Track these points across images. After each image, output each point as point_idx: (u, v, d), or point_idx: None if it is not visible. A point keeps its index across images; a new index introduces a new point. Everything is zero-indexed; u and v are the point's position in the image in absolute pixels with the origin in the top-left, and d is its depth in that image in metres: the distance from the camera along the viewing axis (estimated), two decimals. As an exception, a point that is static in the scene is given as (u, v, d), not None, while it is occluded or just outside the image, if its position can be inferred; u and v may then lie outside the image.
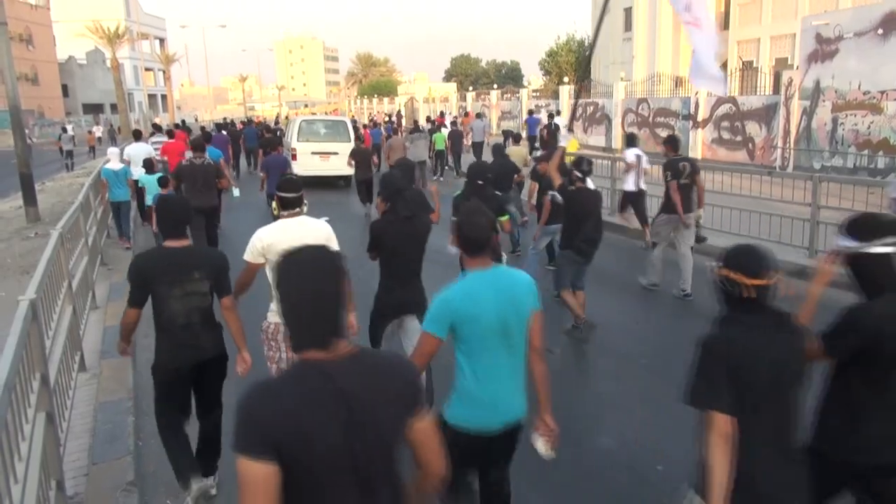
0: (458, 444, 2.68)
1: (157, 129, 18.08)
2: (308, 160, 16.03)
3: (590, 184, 6.47)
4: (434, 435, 1.90)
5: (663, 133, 21.74)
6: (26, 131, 27.94)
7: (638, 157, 9.81)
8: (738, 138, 18.53)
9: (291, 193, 4.06)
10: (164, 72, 64.18)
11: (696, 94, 20.10)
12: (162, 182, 9.37)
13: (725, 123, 19.03)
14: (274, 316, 4.04)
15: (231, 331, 3.88)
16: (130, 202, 11.15)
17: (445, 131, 19.19)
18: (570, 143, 6.84)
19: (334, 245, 3.93)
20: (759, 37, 27.34)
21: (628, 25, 34.87)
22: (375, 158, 14.91)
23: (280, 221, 4.05)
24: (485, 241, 2.83)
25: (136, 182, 10.75)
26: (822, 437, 2.58)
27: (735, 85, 21.10)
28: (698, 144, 20.01)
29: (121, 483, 4.03)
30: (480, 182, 6.04)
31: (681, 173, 7.52)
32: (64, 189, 18.21)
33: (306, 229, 4.01)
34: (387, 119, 31.75)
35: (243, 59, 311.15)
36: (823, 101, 15.44)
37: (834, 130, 15.13)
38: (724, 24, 29.70)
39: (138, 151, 11.97)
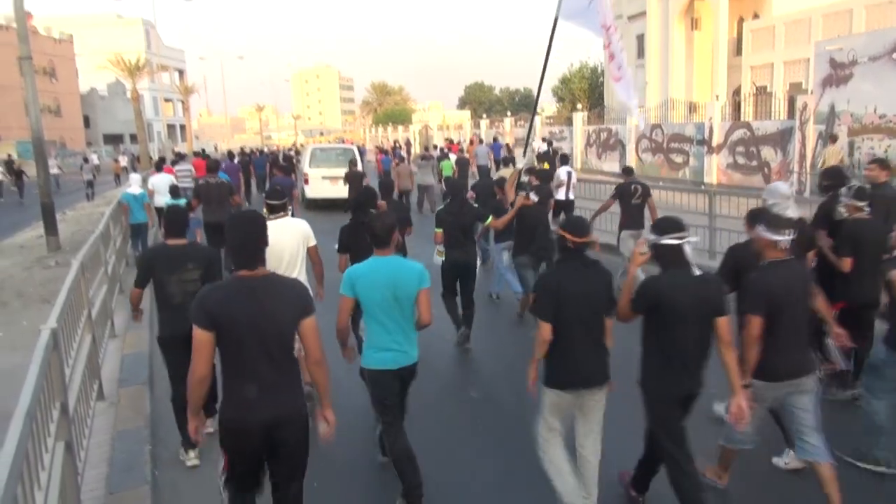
0: (372, 380, 4.02)
1: (180, 157, 19.17)
2: (319, 184, 17.51)
3: (533, 197, 7.40)
4: (314, 332, 3.11)
5: (678, 159, 21.76)
6: (53, 161, 29.17)
7: (569, 173, 11.59)
8: (754, 163, 18.47)
9: (276, 201, 5.42)
10: (182, 102, 65.32)
11: (710, 119, 20.13)
12: (187, 207, 9.65)
13: (740, 148, 18.99)
14: None
15: None
16: (149, 225, 11.51)
17: (454, 158, 19.42)
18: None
19: (311, 240, 5.42)
20: (773, 62, 27.39)
21: (641, 52, 35.11)
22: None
23: (269, 222, 4.18)
24: (386, 236, 3.93)
25: (162, 209, 11.02)
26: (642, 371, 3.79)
27: (749, 110, 21.11)
28: (713, 169, 19.97)
29: (137, 513, 4.03)
30: (457, 196, 7.09)
31: (633, 195, 8.57)
32: (84, 218, 18.48)
33: (288, 227, 5.31)
34: (393, 146, 32.61)
35: (260, 89, 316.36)
36: (839, 125, 15.39)
37: (850, 154, 15.06)
38: (737, 49, 29.82)
39: (162, 181, 12.64)
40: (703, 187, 15.90)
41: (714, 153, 20.02)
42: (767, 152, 17.98)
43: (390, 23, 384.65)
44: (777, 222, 3.74)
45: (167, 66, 72.50)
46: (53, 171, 26.30)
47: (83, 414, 4.58)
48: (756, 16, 29.92)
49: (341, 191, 15.63)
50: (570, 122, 29.94)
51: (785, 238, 3.68)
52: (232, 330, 2.95)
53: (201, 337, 2.94)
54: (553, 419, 3.87)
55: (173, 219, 4.84)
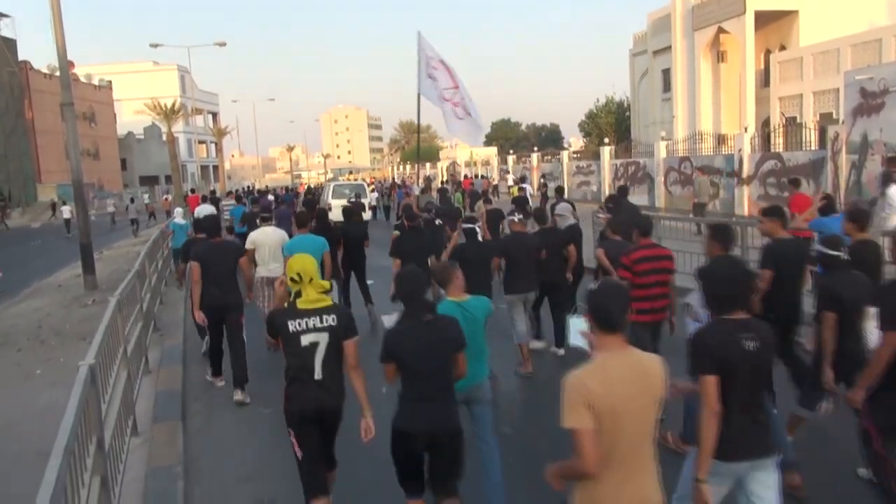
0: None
1: (215, 199, 21.46)
2: (337, 211, 20.60)
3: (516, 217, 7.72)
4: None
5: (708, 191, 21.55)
6: (109, 201, 33.24)
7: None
8: (785, 194, 18.23)
9: (266, 214, 9.37)
10: (216, 144, 67.05)
11: (740, 151, 19.98)
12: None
13: (771, 180, 18.79)
14: (260, 271, 7.94)
15: (245, 277, 7.33)
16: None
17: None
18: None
19: (286, 240, 8.08)
20: (802, 92, 27.22)
21: (667, 86, 35.16)
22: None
23: (260, 228, 8.42)
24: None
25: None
26: None
27: (779, 141, 20.93)
28: (744, 201, 19.75)
29: (170, 550, 4.03)
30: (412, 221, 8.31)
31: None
32: (120, 258, 18.90)
33: (270, 231, 8.23)
34: (402, 182, 39.92)
35: (291, 129, 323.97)
36: (872, 154, 15.16)
37: (884, 184, 14.76)
38: (765, 81, 29.72)
39: (205, 210, 14.49)
40: (733, 219, 15.72)
41: (744, 185, 19.82)
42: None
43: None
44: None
45: (201, 109, 74.59)
46: (110, 209, 36.01)
47: (118, 449, 4.63)
48: (783, 47, 29.86)
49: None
50: (597, 156, 29.99)
51: None
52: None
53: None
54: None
55: (211, 224, 7.38)
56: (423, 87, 13.47)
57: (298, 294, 3.89)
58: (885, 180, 10.42)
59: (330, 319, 3.87)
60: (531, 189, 25.20)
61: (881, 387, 3.60)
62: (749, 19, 28.16)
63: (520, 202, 9.46)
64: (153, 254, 11.45)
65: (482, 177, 35.74)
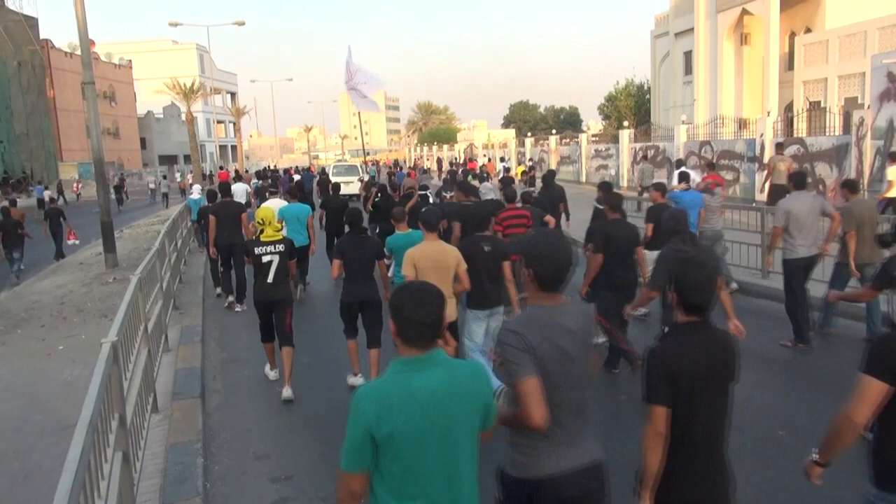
0: None
1: (248, 176, 25.13)
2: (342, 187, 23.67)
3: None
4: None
5: (728, 176, 21.31)
6: (153, 178, 37.99)
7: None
8: (808, 180, 17.95)
9: (273, 189, 12.75)
10: (234, 124, 67.14)
11: (762, 135, 19.69)
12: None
13: (794, 165, 18.48)
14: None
15: (246, 232, 9.61)
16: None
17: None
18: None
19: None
20: (826, 76, 26.68)
21: (688, 69, 34.63)
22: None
23: (268, 200, 10.94)
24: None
25: None
26: None
27: (802, 126, 20.57)
28: (765, 187, 19.49)
29: (190, 524, 4.11)
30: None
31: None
32: (140, 236, 19.11)
33: (272, 203, 10.12)
34: (395, 163, 43.67)
35: (309, 109, 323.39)
36: (898, 140, 14.86)
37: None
38: (789, 64, 29.17)
39: (239, 188, 15.95)
40: (753, 204, 15.54)
41: (765, 170, 19.54)
42: (822, 168, 17.46)
43: (436, 43, 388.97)
44: None
45: (220, 89, 74.66)
46: (151, 186, 39.80)
47: (139, 426, 4.71)
48: (808, 30, 29.24)
49: (349, 190, 24.06)
50: (616, 139, 29.69)
51: None
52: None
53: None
54: None
55: (223, 186, 10.64)
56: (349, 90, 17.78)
57: (262, 231, 6.42)
58: None
59: (280, 247, 6.40)
60: (509, 167, 31.63)
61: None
62: (774, 1, 27.60)
63: (462, 185, 10.30)
64: (173, 233, 11.56)
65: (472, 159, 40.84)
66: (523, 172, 23.87)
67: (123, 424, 3.75)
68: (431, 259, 5.27)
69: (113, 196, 32.76)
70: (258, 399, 6.36)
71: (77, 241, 17.73)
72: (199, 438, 5.29)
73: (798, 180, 7.40)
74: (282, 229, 7.25)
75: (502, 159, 35.56)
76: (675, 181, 11.28)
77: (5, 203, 17.06)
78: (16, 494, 4.78)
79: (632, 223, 6.88)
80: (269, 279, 6.27)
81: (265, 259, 6.27)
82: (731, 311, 5.11)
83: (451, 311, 5.35)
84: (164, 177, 39.71)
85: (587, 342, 2.71)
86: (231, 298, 10.04)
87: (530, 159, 36.15)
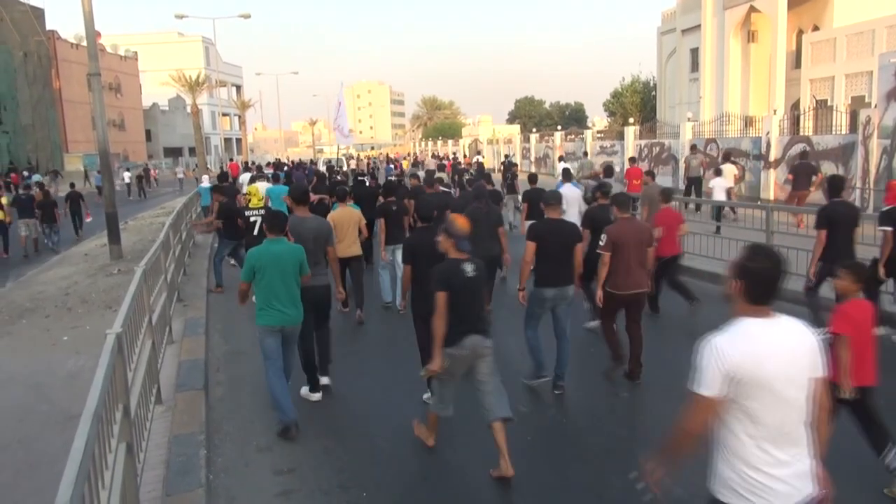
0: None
1: (258, 168, 25.65)
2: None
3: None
4: None
5: (735, 171, 21.24)
6: (180, 168, 41.76)
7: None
8: (813, 178, 17.90)
9: (275, 183, 15.49)
10: (239, 116, 67.27)
11: (768, 133, 19.63)
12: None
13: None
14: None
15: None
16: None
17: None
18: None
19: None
20: (833, 75, 26.56)
21: (695, 66, 34.52)
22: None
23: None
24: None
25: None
26: None
27: (808, 124, 20.49)
28: (770, 185, 19.44)
29: (192, 515, 4.13)
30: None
31: None
32: (144, 228, 19.14)
33: (262, 187, 12.49)
34: (388, 157, 45.76)
35: (314, 103, 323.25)
36: (905, 139, 14.80)
37: (918, 170, 14.45)
38: (796, 62, 29.05)
39: (245, 177, 18.36)
40: (759, 202, 15.50)
41: (771, 168, 19.48)
42: (828, 167, 17.39)
43: (441, 38, 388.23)
44: None
45: (225, 81, 74.77)
46: (180, 176, 42.06)
47: (143, 417, 4.73)
48: (816, 28, 29.11)
49: None
50: (621, 136, 29.63)
51: None
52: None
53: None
54: None
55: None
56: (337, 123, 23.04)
57: (250, 201, 9.75)
58: None
59: (262, 212, 9.14)
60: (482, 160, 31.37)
61: None
62: (782, -2, 27.50)
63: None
64: (177, 225, 11.58)
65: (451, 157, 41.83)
66: (501, 170, 23.48)
67: (127, 415, 3.77)
68: (345, 218, 8.31)
69: (134, 186, 36.12)
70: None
71: (90, 219, 20.10)
72: (202, 430, 5.32)
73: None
74: (265, 202, 10.35)
75: (506, 156, 36.32)
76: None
77: (45, 181, 23.84)
78: (21, 484, 4.81)
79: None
80: (255, 233, 9.06)
81: (252, 219, 9.46)
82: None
83: (356, 249, 8.43)
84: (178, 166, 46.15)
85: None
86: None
87: (506, 155, 36.67)
